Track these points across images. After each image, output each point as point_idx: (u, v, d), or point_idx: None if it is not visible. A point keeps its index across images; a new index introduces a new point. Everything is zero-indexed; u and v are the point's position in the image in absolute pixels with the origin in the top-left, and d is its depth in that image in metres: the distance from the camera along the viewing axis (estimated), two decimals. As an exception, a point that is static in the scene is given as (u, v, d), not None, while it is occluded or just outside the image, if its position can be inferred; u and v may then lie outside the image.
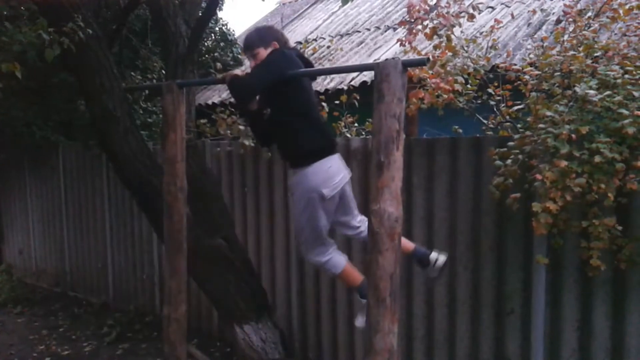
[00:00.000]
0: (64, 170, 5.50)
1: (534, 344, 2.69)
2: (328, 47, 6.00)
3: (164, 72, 4.71)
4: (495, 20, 3.42)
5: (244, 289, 3.34)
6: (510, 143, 2.53)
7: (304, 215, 2.39)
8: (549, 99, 2.57)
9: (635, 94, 2.27)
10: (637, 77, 2.37)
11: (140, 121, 4.75)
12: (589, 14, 3.05)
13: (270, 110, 2.40)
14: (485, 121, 3.11)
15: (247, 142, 3.66)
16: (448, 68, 2.90)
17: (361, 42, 5.74)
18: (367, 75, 4.39)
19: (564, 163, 2.16)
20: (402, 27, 3.35)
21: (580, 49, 2.65)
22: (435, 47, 3.12)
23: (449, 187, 2.94)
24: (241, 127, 3.70)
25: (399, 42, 3.32)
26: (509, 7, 4.90)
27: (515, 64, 3.05)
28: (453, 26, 3.07)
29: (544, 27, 4.27)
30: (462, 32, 3.51)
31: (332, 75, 4.80)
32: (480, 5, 3.62)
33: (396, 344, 1.93)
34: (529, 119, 2.57)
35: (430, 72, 2.86)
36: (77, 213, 5.40)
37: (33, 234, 6.09)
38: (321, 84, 4.78)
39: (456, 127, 3.27)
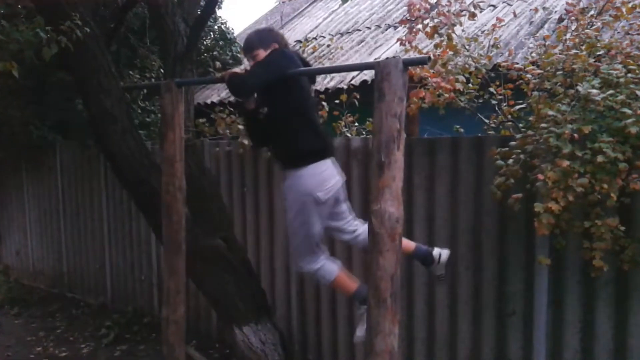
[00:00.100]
0: (61, 170, 5.47)
1: (535, 345, 2.68)
2: (328, 45, 5.98)
3: (162, 71, 4.69)
4: (497, 18, 3.40)
5: (243, 289, 3.32)
6: (512, 143, 2.52)
7: (297, 220, 2.36)
8: (551, 98, 2.56)
9: (639, 93, 2.25)
10: (640, 75, 2.36)
11: (139, 120, 4.73)
12: (592, 12, 3.04)
13: (268, 109, 2.39)
14: (486, 120, 3.10)
15: (246, 142, 3.65)
16: (449, 67, 2.89)
17: (362, 41, 5.72)
18: (368, 74, 4.36)
19: (566, 163, 2.15)
20: (403, 25, 3.32)
21: (583, 47, 2.64)
22: (436, 46, 3.11)
23: (450, 187, 2.93)
24: (240, 127, 3.69)
25: (399, 42, 3.30)
26: (511, 5, 4.88)
27: (517, 63, 3.04)
28: (454, 25, 3.06)
29: (546, 26, 4.26)
30: (463, 30, 3.49)
31: (332, 75, 4.78)
32: (481, 4, 3.60)
33: (397, 345, 1.92)
34: (530, 119, 2.56)
35: (432, 71, 2.84)
36: (75, 213, 5.37)
37: (30, 234, 6.06)
38: (321, 83, 4.76)
39: (457, 126, 3.25)
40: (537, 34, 4.02)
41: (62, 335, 4.59)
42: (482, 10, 4.38)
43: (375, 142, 1.87)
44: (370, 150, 1.99)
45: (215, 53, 5.90)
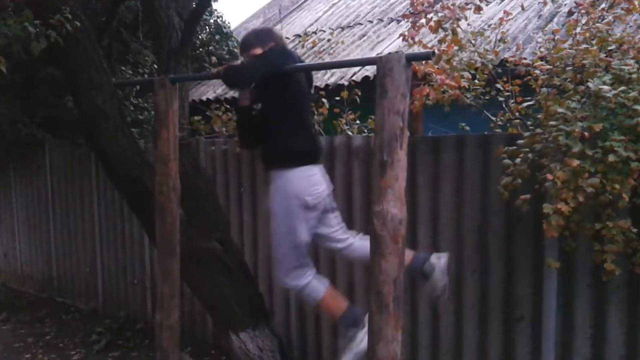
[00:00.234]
0: (50, 169, 5.40)
1: (544, 351, 2.64)
2: (328, 40, 5.92)
3: (155, 66, 4.62)
4: (504, 12, 3.34)
5: (240, 293, 3.26)
6: (520, 141, 2.48)
7: (283, 226, 2.32)
8: (560, 94, 2.52)
9: (652, 89, 2.21)
10: (653, 71, 2.32)
11: (131, 118, 4.67)
12: (603, 5, 3.01)
13: (263, 104, 2.39)
14: (493, 118, 3.07)
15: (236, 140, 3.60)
16: (454, 63, 2.85)
17: (363, 35, 5.67)
18: (370, 70, 4.32)
19: (576, 162, 2.11)
20: (406, 19, 3.28)
21: (594, 42, 2.61)
22: (441, 41, 3.07)
23: (455, 187, 2.88)
24: (237, 125, 3.63)
25: (401, 37, 3.25)
26: (519, -3, 4.85)
27: (525, 58, 3.01)
28: (459, 19, 3.02)
29: (555, 19, 4.23)
30: (468, 24, 3.46)
31: (333, 70, 4.78)
32: (488, -3, 3.56)
33: (400, 352, 1.89)
34: (539, 116, 2.52)
35: (436, 66, 2.79)
36: (65, 214, 5.30)
37: (18, 236, 5.99)
38: (321, 79, 4.73)
39: (463, 124, 3.22)
40: (546, 28, 3.99)
41: (51, 341, 4.53)
42: (488, 3, 4.35)
43: (377, 141, 1.84)
44: (372, 149, 1.96)
45: (210, 48, 5.86)
